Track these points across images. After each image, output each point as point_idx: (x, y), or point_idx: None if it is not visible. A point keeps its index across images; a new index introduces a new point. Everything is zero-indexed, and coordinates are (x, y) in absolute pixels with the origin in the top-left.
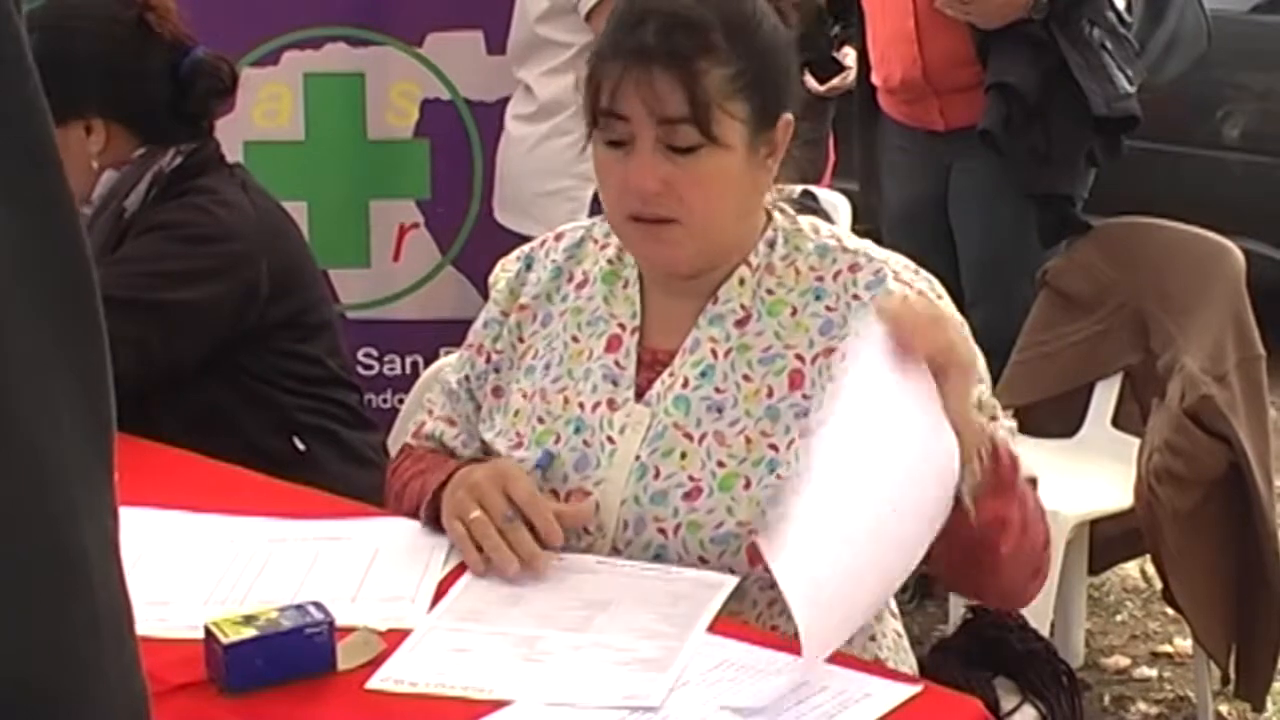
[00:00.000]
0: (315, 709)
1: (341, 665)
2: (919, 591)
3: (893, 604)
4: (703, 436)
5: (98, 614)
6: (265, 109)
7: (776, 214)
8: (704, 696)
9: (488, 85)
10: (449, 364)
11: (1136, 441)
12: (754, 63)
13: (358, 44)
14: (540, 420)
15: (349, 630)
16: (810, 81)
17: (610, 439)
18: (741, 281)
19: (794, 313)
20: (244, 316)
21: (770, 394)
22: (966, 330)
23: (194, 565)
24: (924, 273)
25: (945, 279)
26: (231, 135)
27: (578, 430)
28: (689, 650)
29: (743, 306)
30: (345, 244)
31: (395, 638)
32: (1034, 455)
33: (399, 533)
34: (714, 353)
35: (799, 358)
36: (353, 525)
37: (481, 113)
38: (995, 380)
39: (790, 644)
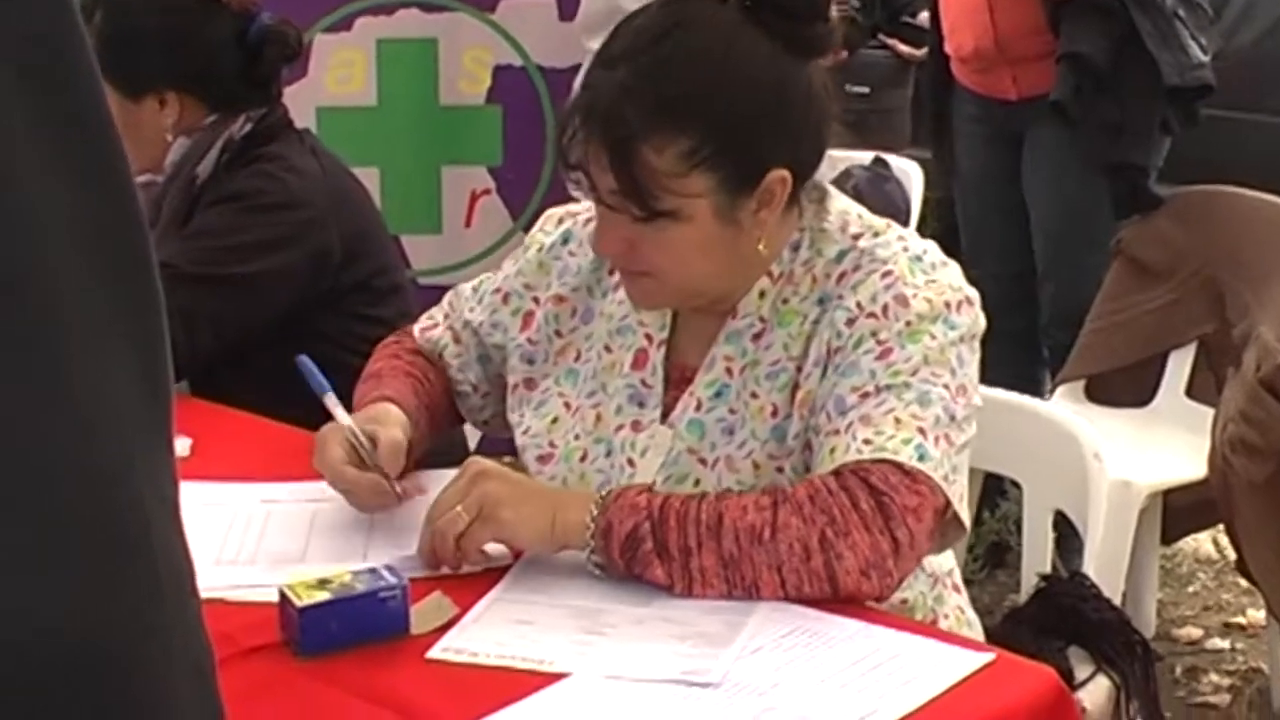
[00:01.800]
0: (387, 672)
1: (414, 629)
2: (990, 561)
3: (957, 578)
4: (715, 461)
5: (158, 575)
6: (338, 75)
7: (808, 210)
8: (773, 664)
9: (560, 51)
10: (470, 286)
11: (1210, 411)
12: (716, 134)
13: (431, 9)
14: (576, 437)
15: (423, 594)
16: (899, 46)
17: (630, 461)
18: (761, 294)
19: (802, 322)
20: (316, 282)
21: (775, 413)
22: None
23: (266, 529)
24: (942, 271)
25: (1016, 249)
26: (304, 101)
27: (608, 453)
28: (754, 626)
29: (761, 319)
30: (417, 210)
31: (468, 601)
32: (1107, 425)
33: None
34: (729, 371)
35: (799, 369)
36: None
37: (554, 79)
38: (1068, 350)
39: (862, 611)
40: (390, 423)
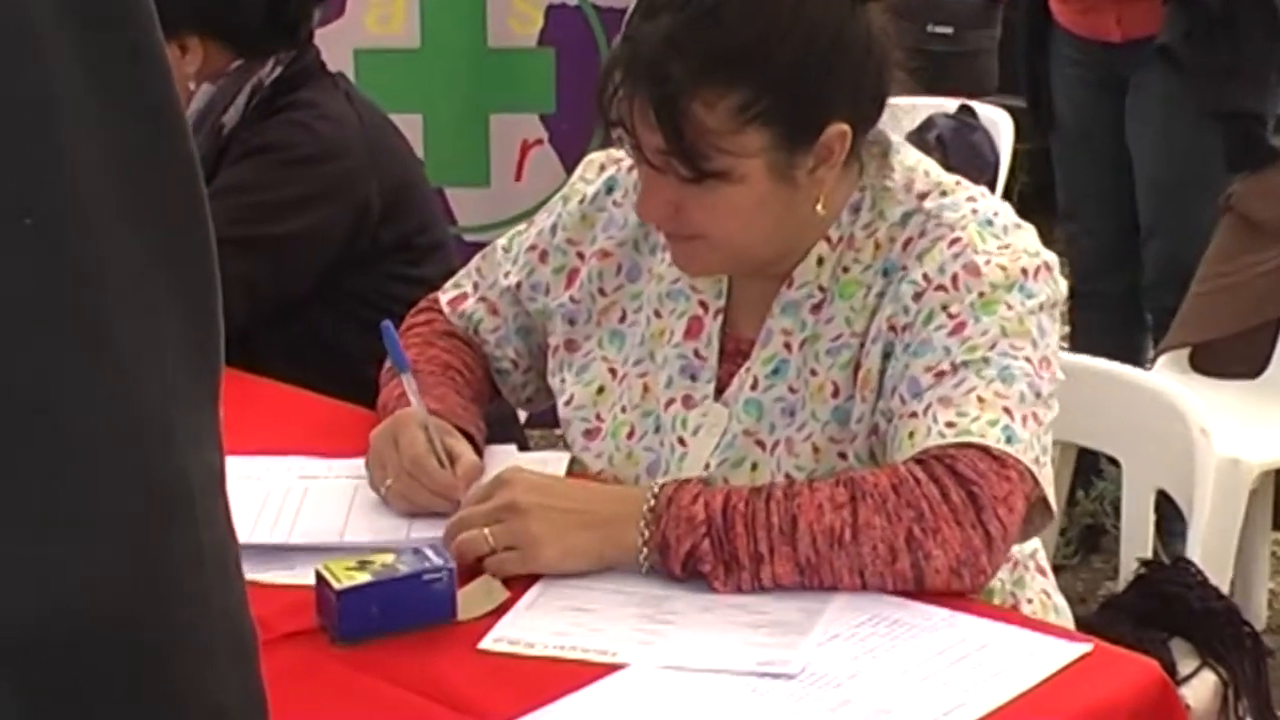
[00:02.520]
0: (431, 662)
1: (462, 615)
2: (1083, 545)
3: (1042, 559)
4: (774, 445)
5: (202, 549)
6: (378, 14)
7: (870, 166)
8: (850, 654)
9: None
10: (500, 246)
11: None
12: (771, 86)
13: None
14: (623, 409)
15: (471, 577)
16: None
17: (681, 441)
18: (820, 261)
19: (865, 294)
20: (354, 240)
21: (836, 392)
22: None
23: (303, 506)
24: (1016, 235)
25: (1118, 203)
26: (340, 43)
27: (657, 428)
28: (832, 614)
29: (820, 288)
30: (463, 161)
31: (520, 586)
32: (1214, 397)
33: (504, 461)
34: (787, 345)
35: (861, 346)
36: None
37: (611, 19)
38: (1172, 315)
39: (946, 597)
40: (459, 438)
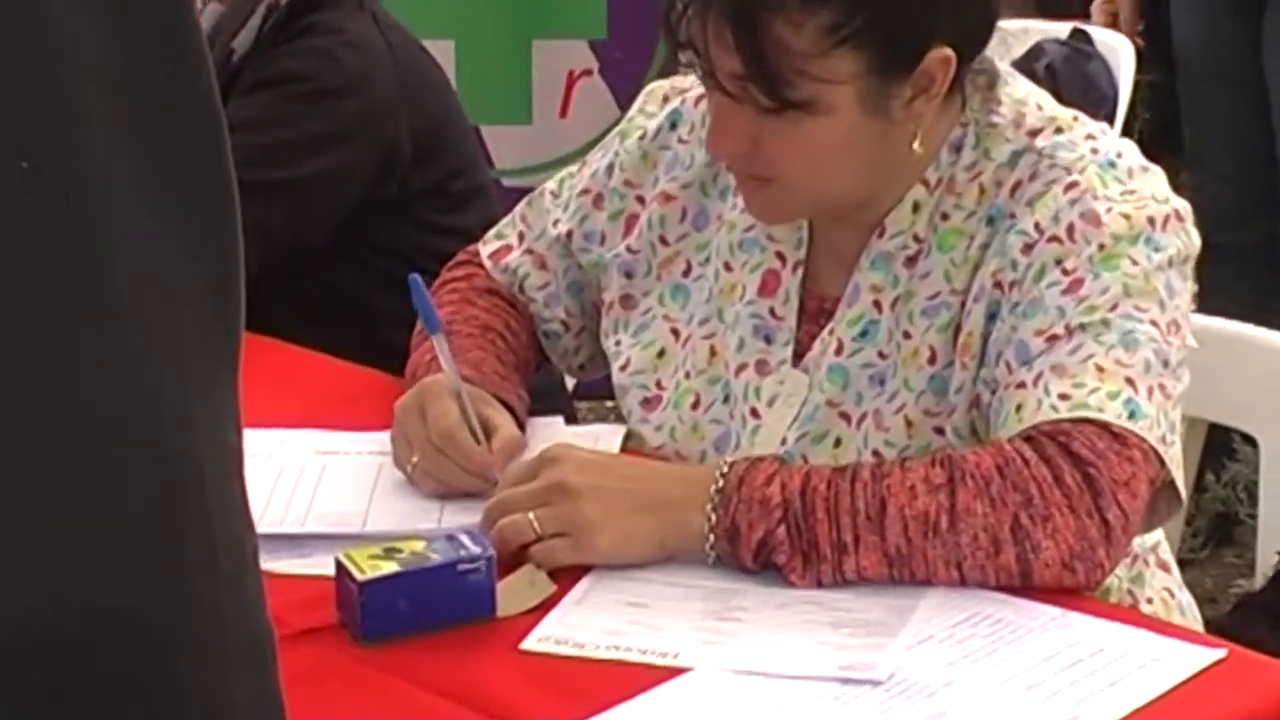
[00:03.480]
0: (467, 664)
1: (502, 611)
2: (1214, 536)
3: (1164, 553)
4: (861, 418)
5: (212, 540)
6: None
7: (974, 99)
8: (945, 658)
9: None
10: (549, 190)
11: None
12: (867, 3)
13: None
14: (686, 375)
15: (513, 567)
16: None
17: (755, 412)
18: (915, 207)
19: (967, 245)
20: (380, 185)
21: (933, 358)
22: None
23: (320, 486)
24: (1143, 179)
25: (1255, 139)
26: None
27: (726, 398)
28: (925, 612)
29: (915, 239)
30: (501, 95)
31: (568, 577)
32: None
33: (550, 436)
34: (876, 304)
35: (962, 306)
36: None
37: None
38: None
39: (1055, 594)
40: (497, 409)
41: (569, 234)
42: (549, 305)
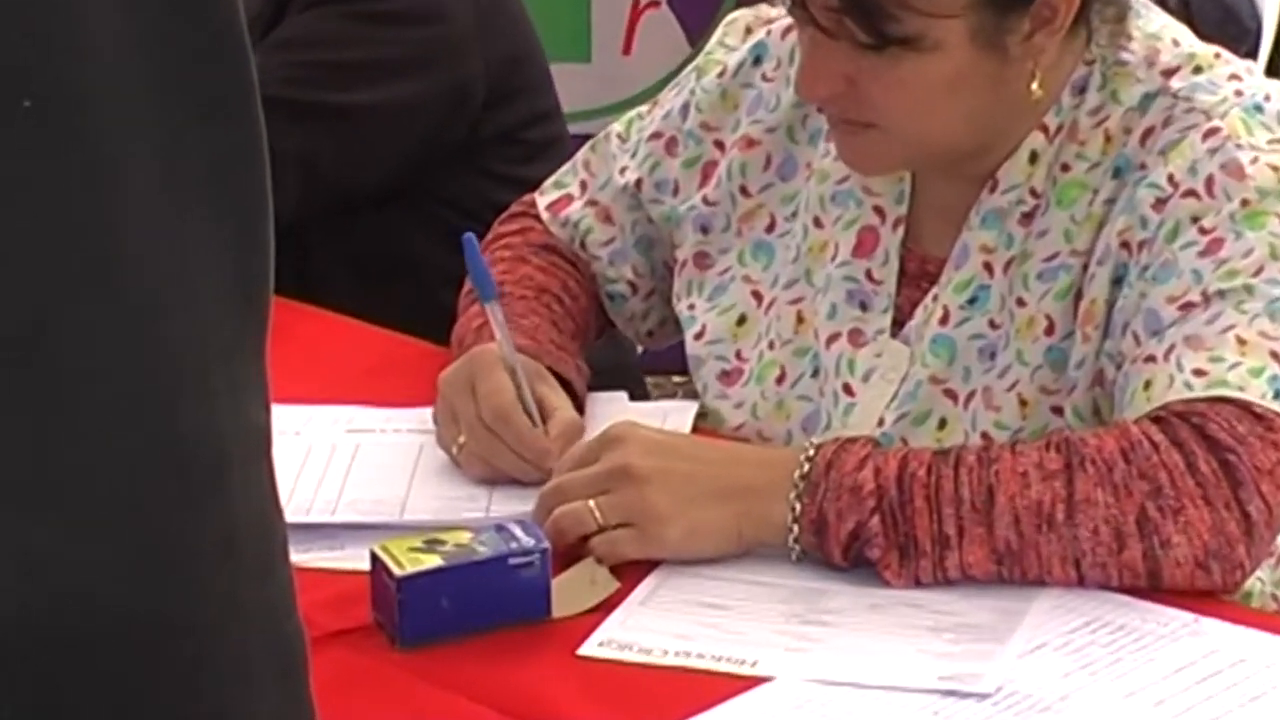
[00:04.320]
0: (517, 671)
1: (558, 611)
2: None
3: None
4: (969, 396)
5: (235, 531)
6: None
7: (1101, 34)
8: (1060, 668)
9: None
10: (615, 133)
11: None
12: None
13: None
14: (771, 345)
15: (570, 561)
16: None
17: (848, 389)
18: (1033, 156)
19: (1091, 200)
20: (448, 128)
21: (1050, 329)
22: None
23: (354, 469)
24: None
25: None
26: None
27: (815, 371)
28: (1037, 616)
29: (1032, 193)
30: (556, 30)
31: (631, 577)
32: None
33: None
34: (987, 267)
35: (1084, 269)
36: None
37: None
38: None
39: (1190, 599)
40: (554, 386)
41: (638, 183)
42: (614, 264)
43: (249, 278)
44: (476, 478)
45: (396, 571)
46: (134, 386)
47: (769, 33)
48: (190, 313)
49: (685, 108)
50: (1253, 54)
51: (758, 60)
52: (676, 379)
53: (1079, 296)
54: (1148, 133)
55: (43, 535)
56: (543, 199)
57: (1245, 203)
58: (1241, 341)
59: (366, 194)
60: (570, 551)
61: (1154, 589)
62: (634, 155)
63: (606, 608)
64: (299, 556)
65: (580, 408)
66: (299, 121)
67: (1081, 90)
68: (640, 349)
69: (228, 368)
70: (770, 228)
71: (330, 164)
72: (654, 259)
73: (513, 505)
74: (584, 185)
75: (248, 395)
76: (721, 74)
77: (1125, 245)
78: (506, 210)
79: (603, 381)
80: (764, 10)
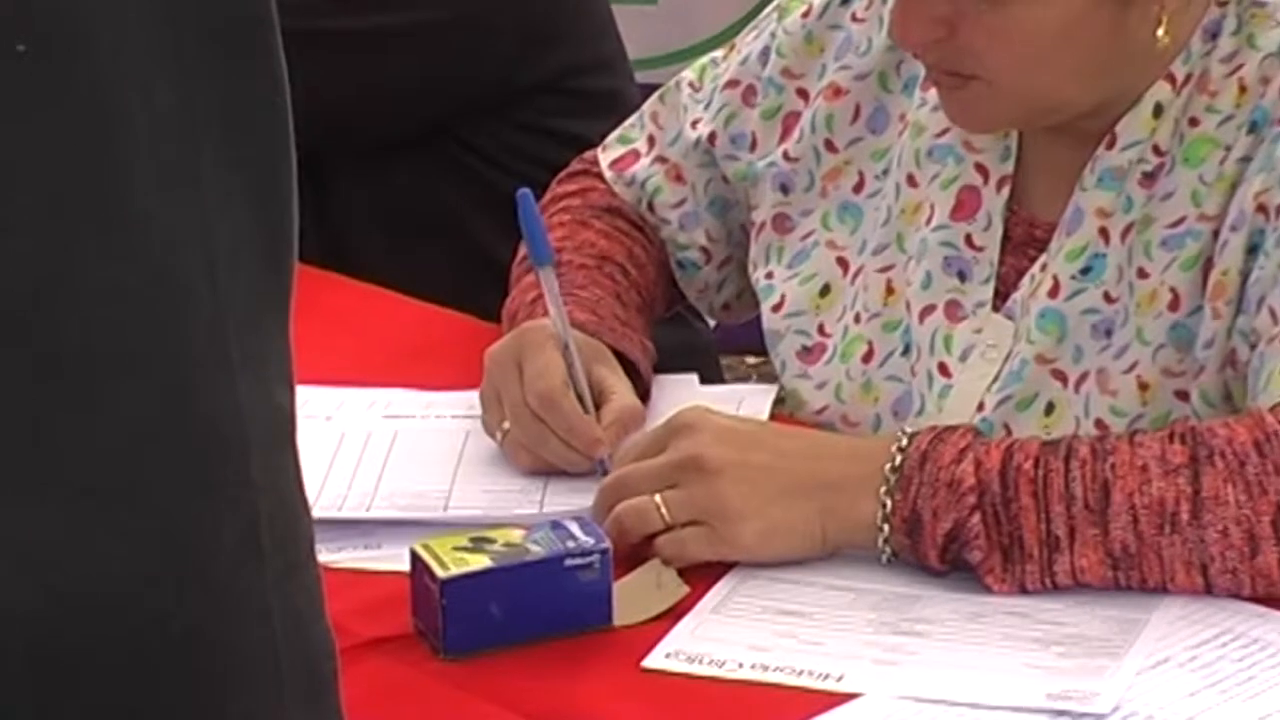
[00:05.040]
0: (575, 686)
1: (620, 619)
2: None
3: None
4: (1082, 378)
5: (257, 523)
6: None
7: None
8: (1186, 687)
9: None
10: (686, 81)
11: None
12: None
13: None
14: (856, 318)
15: (634, 565)
16: None
17: (944, 369)
18: (1157, 110)
19: (1223, 158)
20: (471, 65)
21: (1176, 303)
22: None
23: (391, 459)
24: None
25: None
26: None
27: (906, 349)
28: (1160, 628)
29: (1155, 150)
30: None
31: (701, 581)
32: None
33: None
34: (1103, 233)
35: (1215, 235)
36: None
37: None
38: None
39: None
40: (614, 367)
41: (711, 137)
42: (685, 227)
43: (271, 233)
44: (523, 468)
45: (440, 573)
46: (143, 359)
47: None
48: (206, 274)
49: (765, 52)
50: None
51: (846, 0)
52: (751, 360)
53: (1208, 267)
54: None
55: (41, 525)
56: (606, 155)
57: None
58: None
59: (382, 135)
60: (634, 552)
61: None
62: (707, 106)
63: (674, 615)
64: (330, 556)
65: (645, 392)
66: (305, 52)
67: (1214, 36)
68: (713, 324)
69: (248, 338)
70: (858, 187)
71: (339, 99)
72: (729, 222)
73: (571, 500)
74: (651, 140)
75: (270, 370)
76: (806, 14)
77: (1262, 209)
78: (565, 169)
79: (671, 362)
80: None
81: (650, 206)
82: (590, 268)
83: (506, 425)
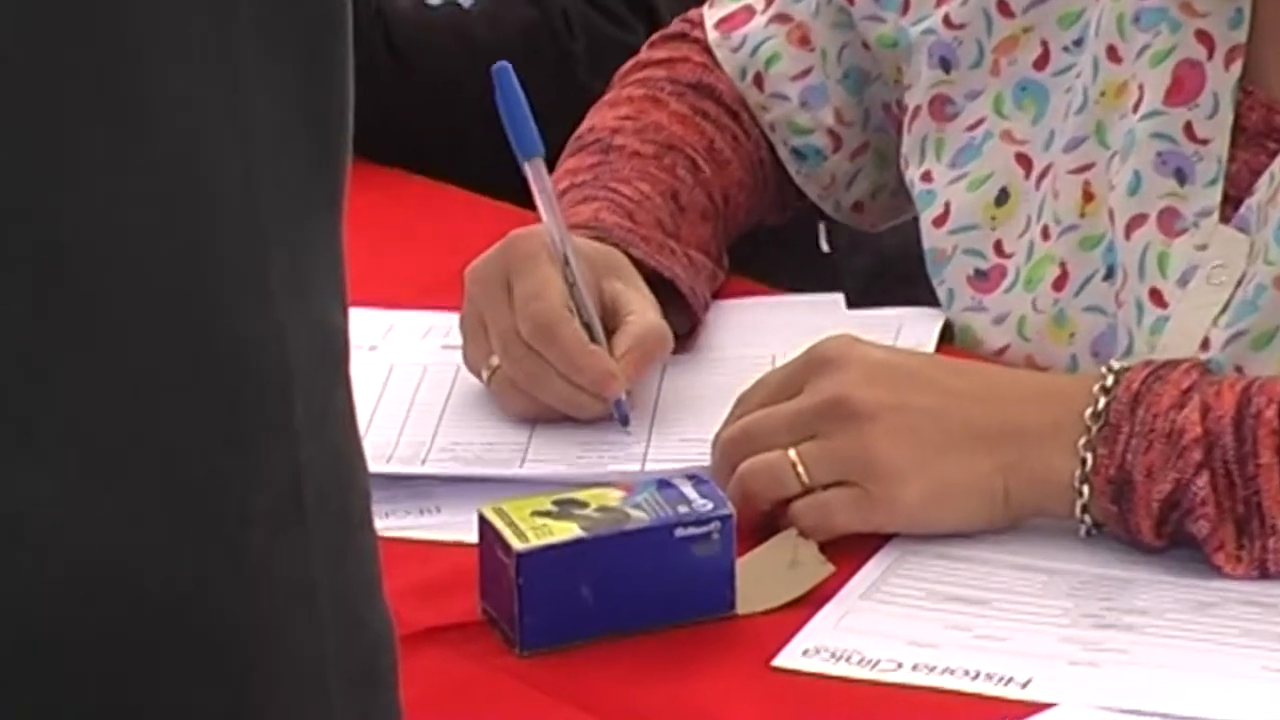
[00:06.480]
0: (689, 689)
1: (744, 606)
2: None
3: None
4: None
5: (297, 481)
6: None
7: None
8: None
9: None
10: None
11: None
12: None
13: None
14: (1044, 233)
15: (763, 537)
16: None
17: (1157, 296)
18: None
19: None
20: None
21: None
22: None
23: (451, 401)
24: None
25: None
26: None
27: (1109, 272)
28: None
29: None
30: None
31: (847, 558)
32: None
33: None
34: None
35: None
36: None
37: None
38: None
39: None
40: (630, 279)
41: None
42: (809, 105)
43: (320, 121)
44: (516, 415)
45: (516, 545)
46: (164, 273)
47: None
48: (242, 168)
49: None
50: None
51: None
52: None
53: None
54: None
55: (34, 486)
56: (712, 13)
57: None
58: None
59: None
60: (763, 521)
61: None
62: None
63: (813, 601)
64: (378, 523)
65: (694, 323)
66: None
67: None
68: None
69: (294, 249)
70: (1042, 62)
71: None
72: (868, 101)
73: (683, 453)
74: None
75: (319, 287)
76: None
77: None
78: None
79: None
80: None
81: (758, 82)
82: (646, 156)
83: (495, 361)
